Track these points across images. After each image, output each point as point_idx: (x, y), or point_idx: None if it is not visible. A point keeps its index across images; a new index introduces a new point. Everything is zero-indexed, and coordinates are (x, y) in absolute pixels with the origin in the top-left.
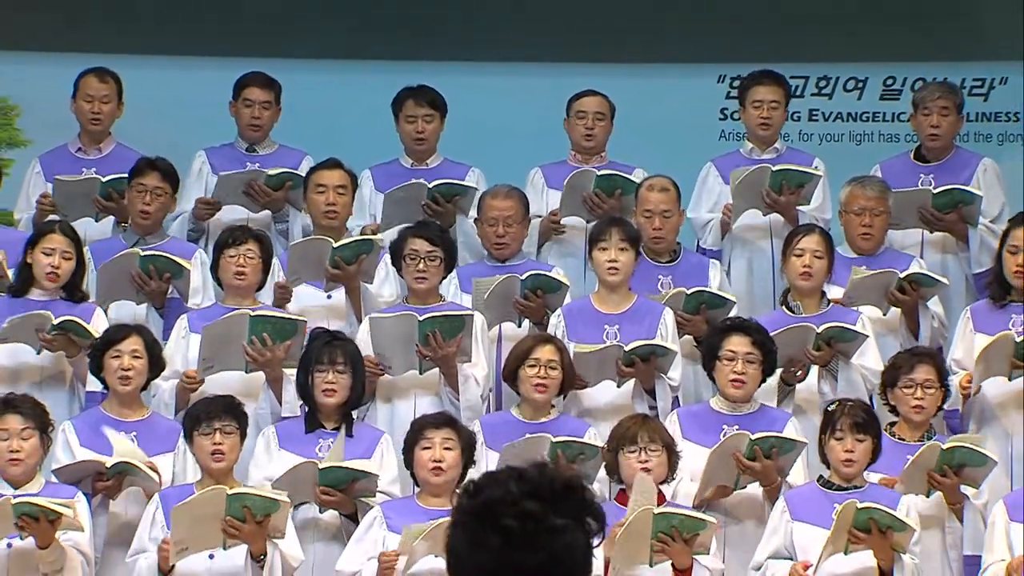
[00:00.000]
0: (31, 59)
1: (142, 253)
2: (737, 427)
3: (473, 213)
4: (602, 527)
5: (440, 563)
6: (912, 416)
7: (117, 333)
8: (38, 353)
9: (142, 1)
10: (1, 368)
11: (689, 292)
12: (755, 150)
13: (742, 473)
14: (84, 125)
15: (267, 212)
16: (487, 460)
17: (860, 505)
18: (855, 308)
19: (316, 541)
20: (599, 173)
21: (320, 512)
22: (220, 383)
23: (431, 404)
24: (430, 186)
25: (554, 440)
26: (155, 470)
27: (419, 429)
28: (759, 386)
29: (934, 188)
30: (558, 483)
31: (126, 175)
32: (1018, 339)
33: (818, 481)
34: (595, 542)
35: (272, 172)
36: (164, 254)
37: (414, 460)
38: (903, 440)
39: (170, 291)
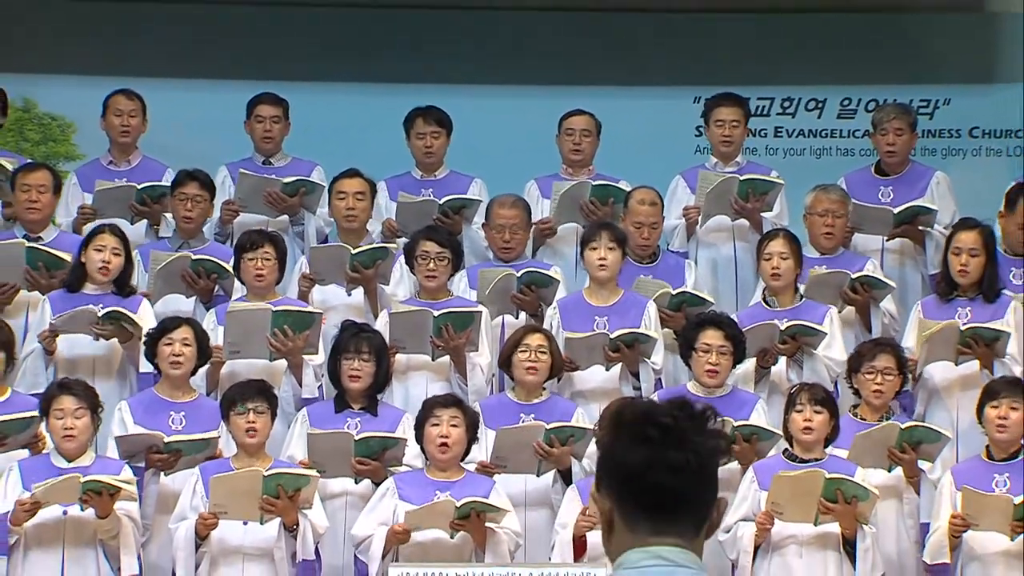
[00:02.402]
0: (85, 82)
1: (193, 257)
2: None
3: (478, 220)
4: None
5: (438, 533)
6: (872, 399)
7: (170, 324)
8: (95, 339)
9: (178, 30)
10: (61, 358)
11: (674, 292)
12: (719, 164)
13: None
14: (114, 139)
15: (284, 216)
16: (486, 438)
17: (828, 475)
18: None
19: (349, 509)
20: (594, 184)
21: (355, 483)
22: (248, 371)
23: (441, 387)
24: (440, 202)
25: (548, 427)
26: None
27: (429, 408)
28: (730, 372)
29: (894, 204)
30: (697, 409)
31: (158, 183)
32: (962, 327)
33: (783, 454)
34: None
35: (287, 180)
36: (212, 258)
37: (424, 436)
38: (864, 420)
39: (216, 290)
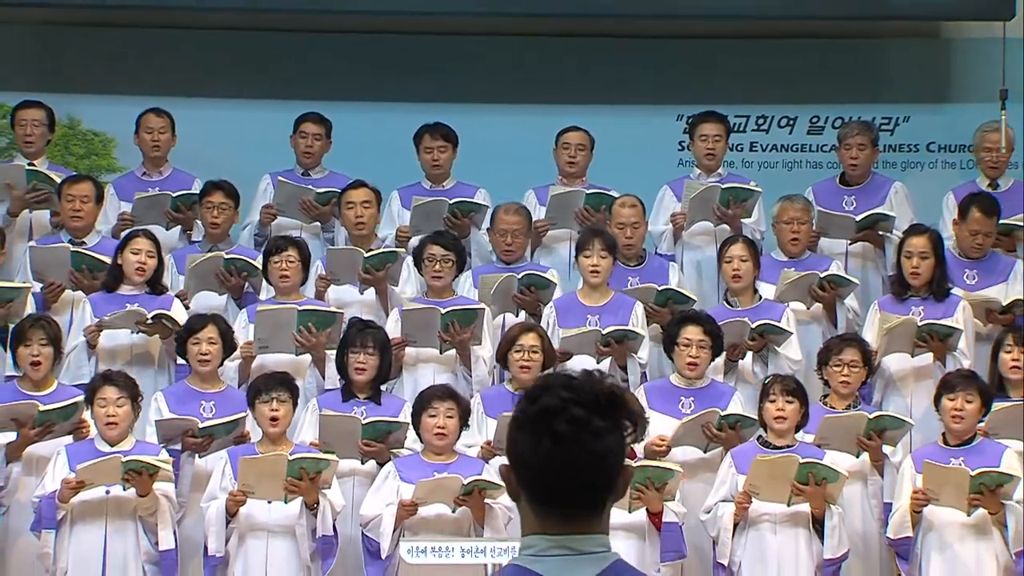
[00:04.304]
0: (124, 101)
1: (226, 256)
2: (693, 399)
3: (485, 225)
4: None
5: (441, 508)
6: (840, 389)
7: (196, 324)
8: (135, 333)
9: (208, 55)
10: (101, 349)
11: (660, 289)
12: (702, 175)
13: (710, 441)
14: (146, 153)
15: (317, 224)
16: (487, 426)
17: (802, 460)
18: (783, 303)
19: (357, 487)
20: (588, 192)
21: (361, 463)
22: (276, 365)
23: (448, 378)
24: (450, 203)
25: None
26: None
27: (427, 400)
28: (709, 365)
29: (857, 212)
30: (602, 392)
31: (190, 191)
32: (919, 323)
33: (758, 440)
34: (629, 439)
35: (320, 191)
36: (244, 257)
37: (421, 424)
38: (834, 408)
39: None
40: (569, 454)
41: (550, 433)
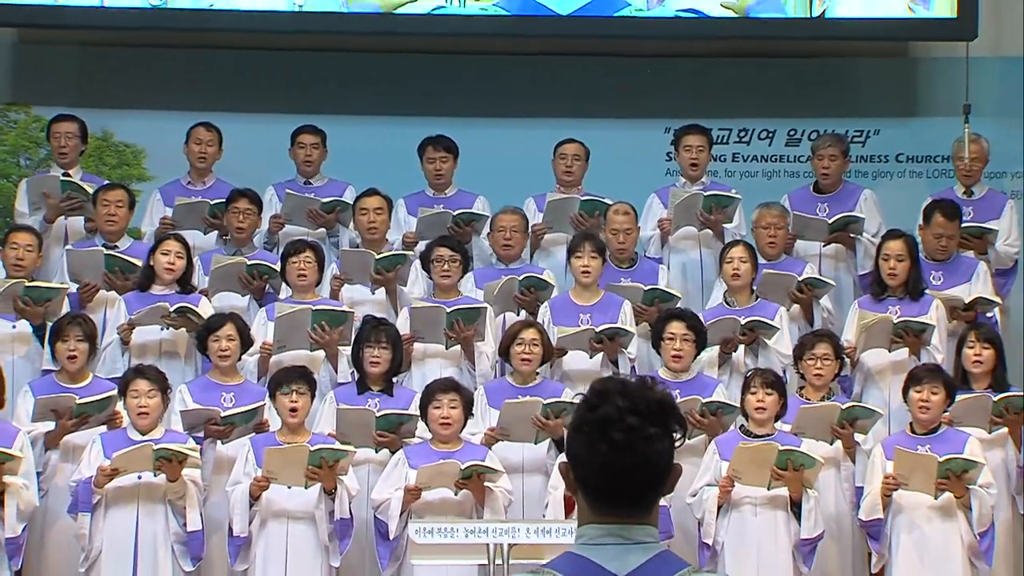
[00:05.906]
0: (153, 116)
1: (249, 262)
2: (679, 391)
3: (485, 231)
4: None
5: (446, 492)
6: (814, 381)
7: (216, 322)
8: (164, 329)
9: (229, 72)
10: (133, 344)
11: (646, 289)
12: (687, 183)
13: (694, 428)
14: (193, 163)
15: (322, 230)
16: (489, 416)
17: (781, 448)
18: (774, 303)
19: (371, 474)
20: (583, 199)
21: (375, 452)
22: (292, 360)
23: (453, 372)
24: (454, 214)
25: (544, 402)
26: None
27: (431, 393)
28: (694, 359)
29: (829, 217)
30: (654, 401)
31: (225, 200)
32: (895, 320)
33: (740, 429)
34: (678, 443)
35: (325, 200)
36: (265, 262)
37: (427, 416)
38: (809, 400)
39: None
40: (624, 459)
41: (606, 440)
